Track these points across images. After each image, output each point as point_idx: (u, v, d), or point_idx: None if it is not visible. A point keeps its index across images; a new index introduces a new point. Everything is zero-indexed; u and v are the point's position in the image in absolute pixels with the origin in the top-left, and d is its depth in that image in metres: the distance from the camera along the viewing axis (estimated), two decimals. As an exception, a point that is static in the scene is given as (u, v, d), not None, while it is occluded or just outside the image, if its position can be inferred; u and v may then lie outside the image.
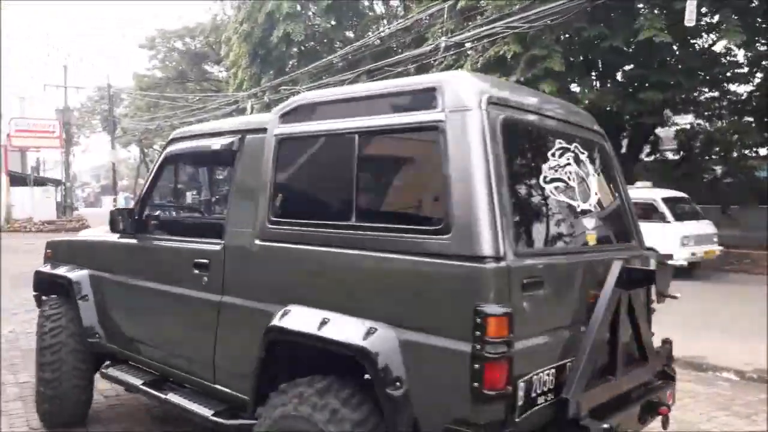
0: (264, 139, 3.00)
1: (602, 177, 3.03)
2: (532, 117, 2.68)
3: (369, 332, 2.32)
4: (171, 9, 77.68)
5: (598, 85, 16.55)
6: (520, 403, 2.19)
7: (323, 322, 2.46)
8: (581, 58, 16.03)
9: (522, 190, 2.52)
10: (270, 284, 2.83)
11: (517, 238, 2.29)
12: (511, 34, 12.55)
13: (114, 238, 3.90)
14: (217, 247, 3.12)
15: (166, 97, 30.50)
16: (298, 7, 20.58)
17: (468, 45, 14.30)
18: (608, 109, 14.94)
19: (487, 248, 2.14)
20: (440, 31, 14.39)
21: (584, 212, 2.77)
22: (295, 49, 20.17)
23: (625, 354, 2.70)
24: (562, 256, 2.60)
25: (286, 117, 2.95)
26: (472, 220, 2.18)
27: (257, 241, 2.89)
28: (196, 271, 3.18)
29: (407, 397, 2.25)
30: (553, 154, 2.69)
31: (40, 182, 36.40)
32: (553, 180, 2.63)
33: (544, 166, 2.61)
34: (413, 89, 2.58)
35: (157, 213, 4.22)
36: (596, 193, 2.88)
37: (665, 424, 2.96)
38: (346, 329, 2.39)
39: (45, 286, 4.47)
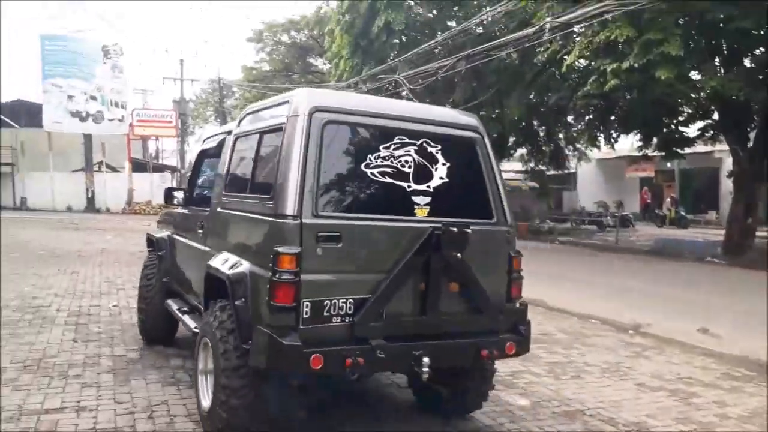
0: (225, 139, 4.50)
1: (457, 165, 3.69)
2: (360, 119, 3.51)
3: (233, 266, 3.58)
4: (277, 3, 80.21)
5: (722, 71, 15.10)
6: (305, 316, 3.16)
7: (223, 261, 3.74)
8: (703, 43, 14.67)
9: (335, 172, 3.40)
10: (218, 237, 4.18)
11: (319, 205, 3.24)
12: (624, 16, 11.59)
13: (179, 209, 5.41)
14: (206, 213, 4.53)
15: (270, 89, 31.45)
16: (399, -4, 20.51)
17: (577, 28, 13.41)
18: (734, 98, 13.59)
19: (288, 210, 3.18)
20: (546, 13, 13.61)
21: (416, 192, 3.52)
22: (396, 40, 19.98)
23: (445, 301, 3.51)
24: (368, 221, 3.38)
25: (240, 123, 4.30)
26: (283, 191, 3.23)
27: (218, 209, 4.25)
28: (200, 230, 4.58)
29: (246, 307, 3.35)
30: (387, 147, 3.49)
31: (158, 168, 38.96)
32: (378, 166, 3.44)
33: (370, 156, 3.44)
34: (279, 102, 3.71)
35: (196, 191, 5.39)
36: (441, 178, 3.61)
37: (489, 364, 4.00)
38: (226, 265, 3.65)
39: (150, 244, 6.12)
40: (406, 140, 3.57)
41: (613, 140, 21.08)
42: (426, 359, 3.35)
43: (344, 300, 3.28)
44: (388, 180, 3.49)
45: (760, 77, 14.05)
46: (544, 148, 26.27)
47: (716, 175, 26.71)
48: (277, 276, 3.10)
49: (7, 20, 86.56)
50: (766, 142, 15.34)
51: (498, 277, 3.85)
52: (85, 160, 33.35)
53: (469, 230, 3.51)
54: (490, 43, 15.05)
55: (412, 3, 21.83)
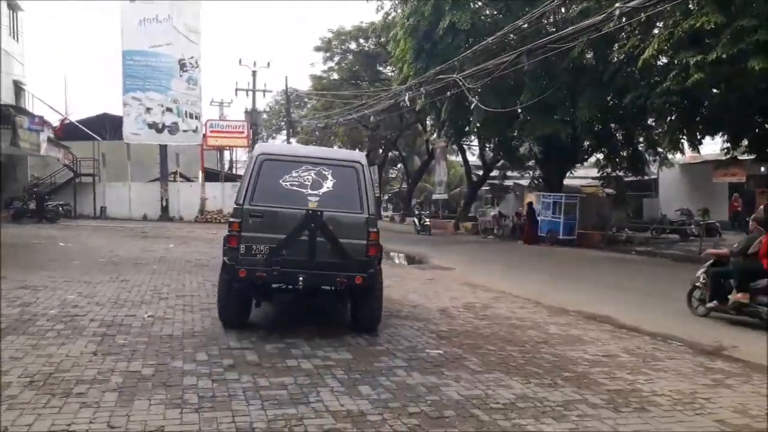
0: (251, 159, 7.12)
1: (349, 180, 6.75)
2: (282, 158, 6.98)
3: None
4: (344, 10, 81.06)
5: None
6: (242, 252, 6.37)
7: None
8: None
9: (266, 184, 6.56)
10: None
11: (255, 200, 6.50)
12: (711, 1, 10.38)
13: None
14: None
15: (338, 96, 31.48)
16: (464, -5, 19.79)
17: (648, 14, 12.19)
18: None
19: (239, 201, 6.52)
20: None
21: (312, 194, 6.60)
22: (461, 41, 19.23)
23: (324, 252, 6.49)
24: (280, 208, 6.52)
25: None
26: (240, 193, 6.58)
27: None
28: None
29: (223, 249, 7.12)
30: (297, 170, 6.68)
31: (230, 178, 39.83)
32: (289, 180, 6.61)
33: (286, 175, 6.63)
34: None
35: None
36: (328, 186, 6.67)
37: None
38: None
39: None
40: (309, 167, 6.76)
41: (697, 143, 19.43)
42: (301, 278, 6.42)
43: (262, 246, 6.44)
44: (294, 188, 6.66)
45: None
46: (621, 152, 24.71)
47: (818, 179, 24.23)
48: (227, 232, 6.63)
49: (97, 38, 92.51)
50: None
51: (359, 242, 6.61)
52: (160, 170, 34.56)
53: (320, 213, 6.49)
54: (551, 36, 14.01)
55: (480, 4, 21.11)
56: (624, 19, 11.92)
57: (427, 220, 30.14)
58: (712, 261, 9.25)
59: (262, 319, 7.46)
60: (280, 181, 6.58)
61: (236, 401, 4.47)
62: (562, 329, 7.78)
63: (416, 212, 34.07)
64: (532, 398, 4.90)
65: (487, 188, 38.30)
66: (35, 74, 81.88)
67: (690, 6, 11.20)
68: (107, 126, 39.51)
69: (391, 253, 19.42)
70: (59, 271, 11.16)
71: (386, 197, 64.87)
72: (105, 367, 5.16)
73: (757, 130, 15.83)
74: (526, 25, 17.17)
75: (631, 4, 11.30)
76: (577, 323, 8.30)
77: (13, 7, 32.94)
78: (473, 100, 17.71)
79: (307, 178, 6.65)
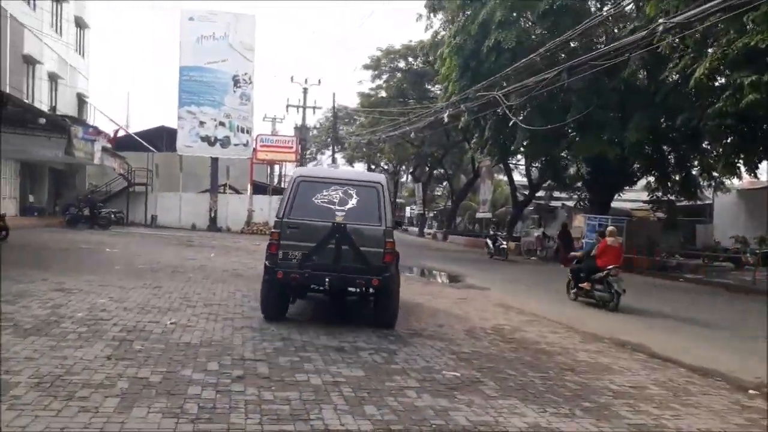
0: (290, 180, 8.76)
1: (370, 198, 8.05)
2: (316, 179, 8.33)
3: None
4: (395, 29, 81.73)
5: None
6: (280, 257, 7.79)
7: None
8: None
9: (304, 202, 7.91)
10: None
11: (292, 215, 7.90)
12: (764, 13, 9.85)
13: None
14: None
15: (384, 113, 31.64)
16: (513, 14, 19.53)
17: (693, 30, 11.65)
18: None
19: (280, 215, 7.96)
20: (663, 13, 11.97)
21: (339, 209, 7.85)
22: (506, 59, 18.98)
23: (347, 258, 7.74)
24: (311, 221, 7.83)
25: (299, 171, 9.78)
26: (280, 208, 8.05)
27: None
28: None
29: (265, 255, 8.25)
30: (327, 190, 8.00)
31: (278, 191, 40.45)
32: (320, 198, 7.93)
33: (318, 194, 7.96)
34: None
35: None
36: (352, 203, 7.93)
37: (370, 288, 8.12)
38: None
39: None
40: (338, 187, 8.07)
41: (755, 167, 18.52)
42: (327, 280, 7.76)
43: (297, 252, 7.78)
44: (325, 204, 7.92)
45: None
46: (673, 175, 23.81)
47: None
48: (270, 241, 8.03)
49: (160, 54, 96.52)
50: None
51: (377, 250, 7.83)
52: (210, 181, 35.43)
53: (345, 225, 7.79)
54: (593, 53, 13.60)
55: (528, 23, 20.86)
56: (671, 37, 11.41)
57: (504, 242, 25.23)
58: (576, 260, 13.26)
59: (297, 316, 8.78)
60: (313, 199, 7.98)
61: (236, 414, 4.41)
62: (592, 357, 7.44)
63: (490, 232, 29.55)
64: (545, 428, 4.66)
65: (532, 208, 37.59)
66: (99, 88, 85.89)
67: (745, 23, 10.63)
68: (164, 138, 40.86)
69: (425, 271, 19.23)
70: (99, 275, 11.47)
71: (431, 215, 64.59)
72: (114, 372, 5.19)
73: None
74: (570, 42, 16.86)
75: (676, 19, 10.82)
76: (608, 351, 7.93)
77: (80, 24, 34.71)
78: (513, 118, 17.35)
79: (336, 196, 8.02)
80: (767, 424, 5.20)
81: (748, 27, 10.64)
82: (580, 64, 13.39)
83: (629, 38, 12.21)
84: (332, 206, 7.91)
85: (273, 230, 8.10)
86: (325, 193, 7.98)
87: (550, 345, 8.01)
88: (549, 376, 6.31)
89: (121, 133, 36.96)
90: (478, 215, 38.34)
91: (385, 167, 59.10)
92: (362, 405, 4.82)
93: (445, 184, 52.72)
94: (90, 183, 35.79)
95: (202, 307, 8.92)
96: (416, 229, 51.10)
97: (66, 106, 31.84)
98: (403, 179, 66.87)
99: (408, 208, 71.10)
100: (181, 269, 13.71)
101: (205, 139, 35.01)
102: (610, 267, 11.65)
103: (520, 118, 19.53)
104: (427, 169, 47.88)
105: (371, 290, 8.17)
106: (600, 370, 6.73)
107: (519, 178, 37.04)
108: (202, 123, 34.93)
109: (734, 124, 14.35)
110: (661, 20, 11.39)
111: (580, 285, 12.33)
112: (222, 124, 35.15)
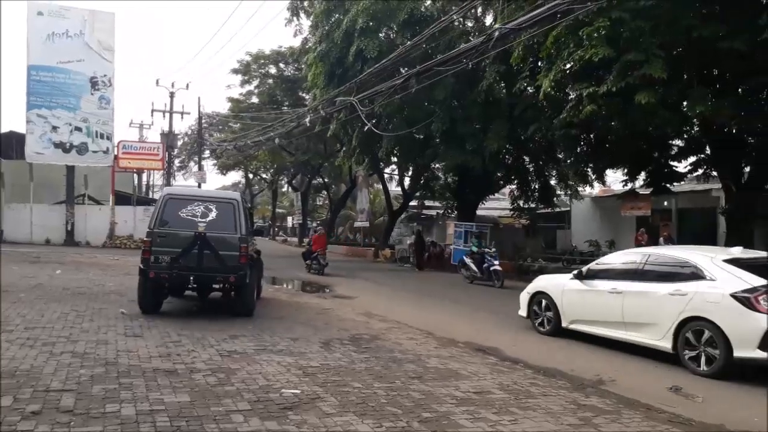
0: (160, 197, 10.98)
1: (227, 211, 9.87)
2: (182, 196, 10.38)
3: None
4: (263, 34, 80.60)
5: (712, 99, 13.96)
6: (151, 261, 9.45)
7: None
8: (694, 67, 13.57)
9: (172, 216, 9.68)
10: None
11: (158, 225, 9.66)
12: (598, 34, 10.52)
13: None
14: None
15: (256, 120, 30.80)
16: (372, 23, 19.67)
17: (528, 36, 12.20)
18: (726, 129, 12.42)
19: (150, 226, 9.71)
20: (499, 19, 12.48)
21: (201, 221, 9.61)
22: (368, 67, 19.05)
23: (209, 260, 9.52)
24: (177, 231, 9.59)
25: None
26: (151, 220, 9.82)
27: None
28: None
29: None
30: (195, 205, 9.77)
31: (143, 202, 38.02)
32: (185, 212, 9.68)
33: (183, 209, 9.72)
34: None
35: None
36: (212, 216, 9.72)
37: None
38: None
39: None
40: (198, 204, 9.74)
41: (602, 176, 19.91)
42: (192, 278, 9.60)
43: (165, 256, 9.38)
44: (188, 217, 9.59)
45: (755, 104, 12.92)
46: (532, 184, 25.14)
47: (714, 213, 25.37)
48: (144, 247, 9.69)
49: (7, 51, 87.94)
50: (761, 177, 14.10)
51: (233, 253, 9.61)
52: (66, 191, 32.53)
53: (205, 234, 9.53)
54: (435, 60, 13.96)
55: (389, 31, 21.13)
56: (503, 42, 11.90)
57: (496, 261, 18.62)
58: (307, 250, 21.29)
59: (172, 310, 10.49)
60: (179, 213, 9.71)
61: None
62: (443, 362, 7.37)
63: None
64: (376, 445, 4.39)
65: (404, 217, 38.22)
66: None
67: (581, 37, 11.30)
68: (13, 144, 36.95)
69: (294, 283, 18.78)
70: None
71: (315, 224, 63.86)
72: None
73: (652, 165, 16.27)
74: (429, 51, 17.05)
75: (509, 25, 11.32)
76: (461, 356, 7.92)
77: None
78: (368, 123, 17.46)
79: (198, 210, 9.75)
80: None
81: (584, 41, 11.32)
82: (426, 71, 13.60)
83: (467, 45, 12.56)
84: (195, 218, 9.66)
85: (145, 239, 9.77)
86: (189, 208, 9.74)
87: (403, 352, 7.87)
88: (396, 386, 6.11)
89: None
90: (357, 224, 38.40)
91: (264, 176, 57.70)
92: (175, 436, 4.30)
93: (325, 193, 52.40)
94: None
95: (22, 331, 7.87)
96: (296, 240, 50.25)
97: None
98: (284, 189, 65.67)
99: (290, 218, 69.91)
100: (12, 289, 12.17)
101: (60, 145, 32.06)
102: (319, 250, 20.05)
103: (390, 126, 19.71)
104: (307, 178, 47.28)
105: (229, 286, 9.95)
106: (448, 377, 6.64)
107: (396, 187, 37.56)
108: (55, 128, 31.95)
109: (578, 134, 15.30)
110: (496, 26, 11.86)
111: (306, 262, 20.82)
112: (78, 129, 32.34)
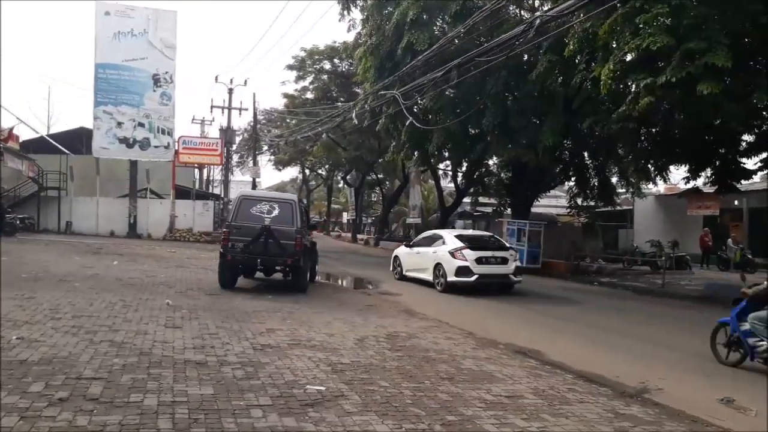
0: (236, 197, 14.11)
1: (286, 210, 12.75)
2: (252, 197, 13.56)
3: None
4: (319, 30, 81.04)
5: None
6: (229, 246, 12.42)
7: None
8: (761, 56, 12.68)
9: (245, 212, 12.63)
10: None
11: (236, 220, 12.65)
12: (657, 22, 9.92)
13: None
14: None
15: (310, 115, 31.04)
16: (424, 16, 19.38)
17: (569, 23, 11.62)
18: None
19: (229, 220, 13.09)
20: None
21: (267, 216, 12.47)
22: (421, 62, 18.75)
23: (275, 247, 12.27)
24: (249, 223, 12.43)
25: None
26: (229, 216, 13.60)
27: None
28: None
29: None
30: (262, 204, 12.74)
31: (202, 196, 39.10)
32: (255, 209, 12.59)
33: (253, 207, 12.64)
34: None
35: None
36: (275, 213, 12.55)
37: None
38: None
39: None
40: (265, 203, 12.71)
41: (665, 172, 18.98)
42: (259, 260, 12.64)
43: (239, 243, 12.26)
44: (258, 213, 12.46)
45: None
46: (591, 181, 24.26)
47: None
48: (223, 236, 12.90)
49: (68, 51, 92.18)
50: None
51: (291, 242, 12.27)
52: (129, 185, 33.81)
53: (270, 226, 12.25)
54: (478, 49, 13.50)
55: (440, 23, 20.78)
56: (575, 44, 11.40)
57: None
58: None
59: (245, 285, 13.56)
60: (250, 210, 12.57)
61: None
62: (478, 364, 7.13)
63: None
64: (392, 447, 4.24)
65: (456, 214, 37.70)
66: (11, 87, 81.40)
67: (638, 24, 10.70)
68: (83, 140, 38.74)
69: (340, 278, 18.76)
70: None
71: (370, 221, 63.97)
72: None
73: (717, 161, 15.34)
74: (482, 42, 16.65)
75: (551, 12, 10.80)
76: (499, 358, 7.65)
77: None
78: (409, 117, 17.19)
79: (265, 208, 12.57)
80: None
81: (641, 29, 10.72)
82: (469, 62, 13.21)
83: (507, 34, 12.05)
84: (262, 214, 12.46)
85: (224, 230, 13.16)
86: (258, 206, 12.60)
87: (438, 352, 7.66)
88: (424, 386, 5.93)
89: (31, 134, 34.78)
90: (408, 221, 38.20)
91: (320, 172, 58.30)
92: (189, 429, 4.27)
93: (378, 189, 52.47)
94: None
95: (69, 319, 8.12)
96: (350, 235, 50.58)
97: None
98: (339, 185, 66.17)
99: (345, 214, 70.38)
100: (69, 278, 12.70)
101: (124, 140, 33.40)
102: None
103: (438, 120, 19.40)
104: (361, 174, 47.42)
105: (288, 267, 12.80)
106: (481, 379, 6.40)
107: (449, 183, 37.12)
108: (119, 123, 33.30)
109: (638, 128, 14.55)
110: (537, 14, 11.37)
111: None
112: (141, 124, 33.61)
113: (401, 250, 17.46)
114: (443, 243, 15.11)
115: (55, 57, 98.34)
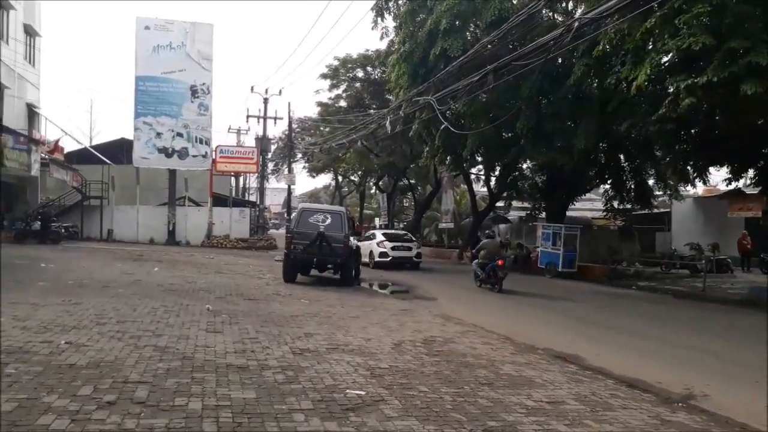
0: (298, 209, 18.59)
1: (337, 219, 16.21)
2: (310, 208, 17.83)
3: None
4: (352, 39, 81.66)
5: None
6: (291, 248, 15.91)
7: None
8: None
9: (304, 221, 16.21)
10: None
11: (298, 227, 16.20)
12: (698, 22, 9.72)
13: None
14: None
15: (343, 123, 31.27)
16: (457, 23, 19.37)
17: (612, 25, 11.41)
18: None
19: (291, 228, 16.93)
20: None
21: (322, 224, 15.84)
22: (455, 68, 18.70)
23: (327, 249, 15.50)
24: (308, 230, 15.79)
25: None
26: (291, 223, 18.61)
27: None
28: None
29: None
30: (318, 214, 16.45)
31: (238, 204, 39.72)
32: (312, 218, 16.16)
33: (311, 217, 16.28)
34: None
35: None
36: (328, 222, 15.93)
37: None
38: None
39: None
40: (320, 214, 16.37)
41: (704, 174, 18.53)
42: (315, 260, 15.87)
43: (300, 245, 15.65)
44: (314, 222, 15.91)
45: None
46: (628, 183, 23.83)
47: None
48: (287, 240, 16.24)
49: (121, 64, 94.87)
50: None
51: (340, 245, 15.55)
52: (168, 194, 34.59)
53: (324, 232, 15.43)
54: (515, 53, 13.38)
55: (474, 30, 20.72)
56: (608, 44, 11.24)
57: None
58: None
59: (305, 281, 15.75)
60: (309, 219, 15.84)
61: (81, 446, 3.90)
62: (517, 369, 7.07)
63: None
64: (435, 452, 4.24)
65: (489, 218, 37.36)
66: (56, 99, 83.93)
67: (678, 25, 10.49)
68: (124, 150, 39.82)
69: (373, 283, 18.79)
70: (15, 292, 10.77)
71: (401, 226, 63.89)
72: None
73: (761, 162, 14.91)
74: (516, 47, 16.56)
75: (589, 15, 10.63)
76: (538, 363, 7.58)
77: (30, 32, 33.61)
78: (444, 122, 17.18)
79: (320, 218, 15.77)
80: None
81: (681, 30, 10.51)
82: (505, 67, 13.12)
83: (544, 38, 11.92)
84: (318, 222, 15.67)
85: (287, 235, 16.52)
86: (314, 216, 16.00)
87: (476, 357, 7.63)
88: (464, 391, 5.91)
89: (75, 145, 35.89)
90: (441, 225, 38.10)
91: (353, 179, 58.56)
92: (234, 432, 4.36)
93: (411, 195, 52.40)
94: (46, 197, 34.56)
95: (114, 324, 8.34)
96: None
97: (15, 117, 30.73)
98: (372, 191, 66.33)
99: (377, 220, 70.46)
100: (113, 284, 13.04)
101: (163, 150, 34.26)
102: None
103: (472, 125, 19.36)
104: (393, 180, 47.45)
105: (337, 266, 15.86)
106: (521, 384, 6.36)
107: (482, 188, 36.89)
108: (159, 134, 34.19)
109: (677, 129, 14.25)
110: (576, 16, 11.23)
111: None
112: (179, 134, 34.45)
113: (367, 242, 24.45)
114: (374, 238, 24.62)
115: (97, 71, 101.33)
